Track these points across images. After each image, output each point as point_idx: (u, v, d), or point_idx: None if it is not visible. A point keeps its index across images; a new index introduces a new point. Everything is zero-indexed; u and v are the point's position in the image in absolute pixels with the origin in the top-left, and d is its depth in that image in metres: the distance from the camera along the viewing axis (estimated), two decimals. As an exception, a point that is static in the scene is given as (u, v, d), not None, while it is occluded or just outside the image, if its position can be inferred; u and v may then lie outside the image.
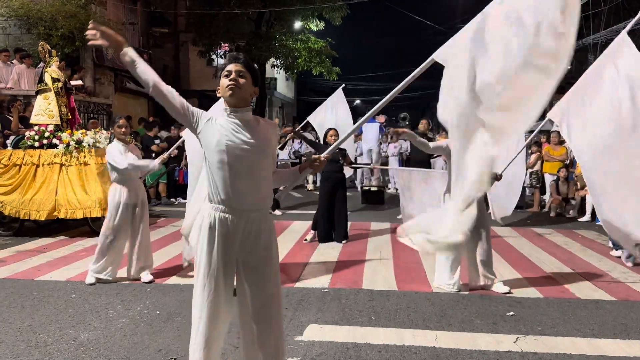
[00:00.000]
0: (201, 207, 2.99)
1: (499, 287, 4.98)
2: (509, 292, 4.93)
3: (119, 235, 5.21)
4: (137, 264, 5.31)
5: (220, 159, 2.49)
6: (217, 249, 2.54)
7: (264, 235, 2.59)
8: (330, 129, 7.51)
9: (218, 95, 2.62)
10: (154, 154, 11.44)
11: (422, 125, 9.81)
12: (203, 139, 2.56)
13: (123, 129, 5.25)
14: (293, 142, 15.48)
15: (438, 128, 14.49)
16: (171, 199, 11.32)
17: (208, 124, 2.55)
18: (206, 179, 2.61)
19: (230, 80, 2.50)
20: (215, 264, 2.55)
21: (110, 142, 5.61)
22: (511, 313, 4.41)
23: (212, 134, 2.52)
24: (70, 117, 8.15)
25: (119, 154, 5.12)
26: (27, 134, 7.80)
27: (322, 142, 7.74)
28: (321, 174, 7.38)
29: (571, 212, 9.87)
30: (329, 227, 7.28)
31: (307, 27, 20.67)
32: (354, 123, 12.77)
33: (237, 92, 2.51)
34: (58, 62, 8.08)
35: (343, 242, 7.22)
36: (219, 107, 2.80)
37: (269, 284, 2.59)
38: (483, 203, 5.00)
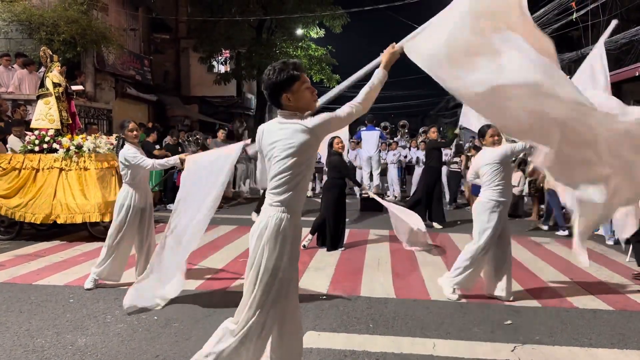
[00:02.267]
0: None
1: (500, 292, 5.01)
2: (510, 300, 4.94)
3: (125, 237, 5.19)
4: (145, 267, 5.30)
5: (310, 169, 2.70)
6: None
7: None
8: (335, 137, 7.52)
9: (302, 105, 2.64)
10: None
11: (433, 133, 9.94)
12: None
13: (134, 132, 5.25)
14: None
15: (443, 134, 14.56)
16: (169, 205, 11.29)
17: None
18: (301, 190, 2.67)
19: (315, 93, 2.66)
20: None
21: (121, 146, 5.60)
22: (509, 322, 4.41)
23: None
24: (70, 121, 8.17)
25: (139, 154, 5.14)
26: (27, 138, 7.81)
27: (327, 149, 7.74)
28: (324, 182, 7.42)
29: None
30: (335, 234, 7.30)
31: (308, 35, 20.78)
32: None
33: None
34: (59, 67, 8.11)
35: (341, 249, 7.25)
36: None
37: None
38: (507, 215, 5.00)
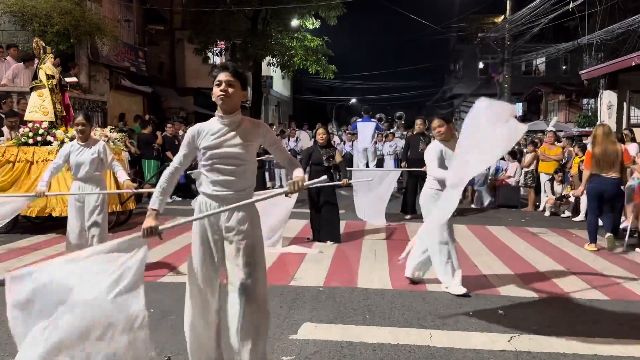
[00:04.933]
0: None
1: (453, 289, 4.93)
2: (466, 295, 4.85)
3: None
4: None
5: (211, 159, 2.90)
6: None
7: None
8: (319, 127, 7.44)
9: (213, 99, 2.92)
10: (154, 152, 11.45)
11: (419, 125, 9.70)
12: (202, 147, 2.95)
13: (79, 127, 5.16)
14: (289, 140, 15.48)
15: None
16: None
17: (201, 136, 2.94)
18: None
19: (221, 90, 2.86)
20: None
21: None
22: (502, 312, 4.41)
23: (207, 140, 2.92)
24: (64, 114, 8.11)
25: (67, 153, 5.21)
26: (21, 130, 7.75)
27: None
28: (309, 174, 7.17)
29: (566, 211, 9.91)
30: (319, 226, 7.24)
31: (304, 26, 20.65)
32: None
33: (227, 102, 2.88)
34: (53, 59, 8.04)
35: (331, 243, 7.11)
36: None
37: None
38: None
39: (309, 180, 6.92)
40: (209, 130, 2.92)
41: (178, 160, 3.00)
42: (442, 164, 4.88)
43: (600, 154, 6.73)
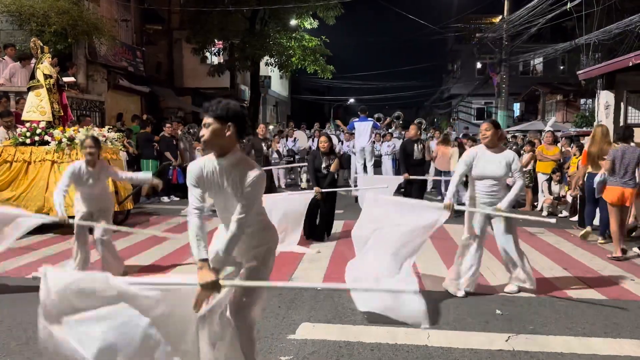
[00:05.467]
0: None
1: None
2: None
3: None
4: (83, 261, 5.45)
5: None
6: None
7: None
8: (322, 134, 7.52)
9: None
10: (155, 152, 11.44)
11: (412, 130, 9.49)
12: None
13: (87, 150, 5.04)
14: (287, 140, 15.48)
15: (430, 127, 14.54)
16: (163, 197, 11.28)
17: (201, 179, 2.74)
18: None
19: (201, 134, 2.69)
20: None
21: None
22: (499, 312, 4.42)
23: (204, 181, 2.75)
24: (62, 114, 8.10)
25: (72, 176, 5.13)
26: (18, 130, 7.74)
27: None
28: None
29: (563, 211, 9.92)
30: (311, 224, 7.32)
31: (302, 26, 20.65)
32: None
33: (208, 146, 2.68)
34: (50, 59, 8.03)
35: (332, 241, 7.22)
36: None
37: None
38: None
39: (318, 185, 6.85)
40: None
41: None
42: (469, 170, 4.85)
43: (596, 153, 7.03)
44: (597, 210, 7.52)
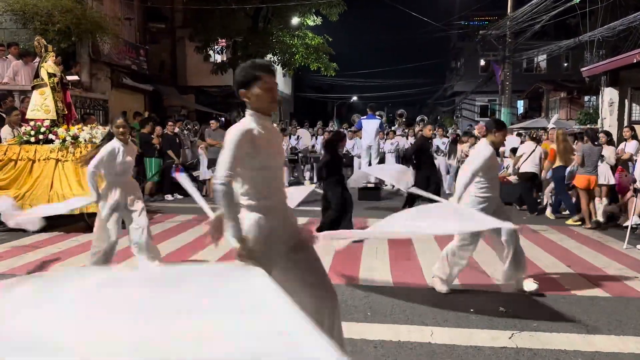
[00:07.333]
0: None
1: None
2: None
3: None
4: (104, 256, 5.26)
5: (265, 163, 2.65)
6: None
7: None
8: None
9: (245, 100, 2.66)
10: (156, 152, 11.45)
11: (428, 130, 9.75)
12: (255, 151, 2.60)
13: (121, 129, 5.01)
14: (290, 138, 15.49)
15: (438, 126, 14.55)
16: (167, 196, 11.31)
17: (251, 141, 2.57)
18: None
19: (274, 94, 2.66)
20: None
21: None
22: (502, 309, 4.42)
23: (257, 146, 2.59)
24: (66, 112, 8.12)
25: (109, 153, 4.93)
26: (22, 129, 7.77)
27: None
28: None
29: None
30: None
31: (304, 23, 20.64)
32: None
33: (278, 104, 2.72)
34: (54, 57, 8.05)
35: None
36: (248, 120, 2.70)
37: None
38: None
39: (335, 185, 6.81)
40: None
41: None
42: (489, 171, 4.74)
43: (562, 150, 8.85)
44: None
